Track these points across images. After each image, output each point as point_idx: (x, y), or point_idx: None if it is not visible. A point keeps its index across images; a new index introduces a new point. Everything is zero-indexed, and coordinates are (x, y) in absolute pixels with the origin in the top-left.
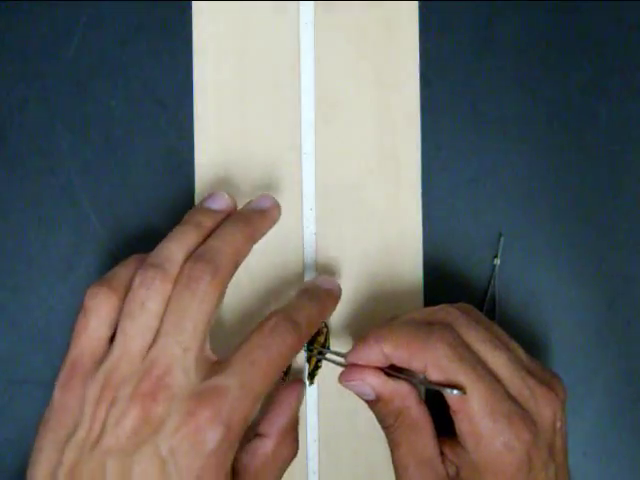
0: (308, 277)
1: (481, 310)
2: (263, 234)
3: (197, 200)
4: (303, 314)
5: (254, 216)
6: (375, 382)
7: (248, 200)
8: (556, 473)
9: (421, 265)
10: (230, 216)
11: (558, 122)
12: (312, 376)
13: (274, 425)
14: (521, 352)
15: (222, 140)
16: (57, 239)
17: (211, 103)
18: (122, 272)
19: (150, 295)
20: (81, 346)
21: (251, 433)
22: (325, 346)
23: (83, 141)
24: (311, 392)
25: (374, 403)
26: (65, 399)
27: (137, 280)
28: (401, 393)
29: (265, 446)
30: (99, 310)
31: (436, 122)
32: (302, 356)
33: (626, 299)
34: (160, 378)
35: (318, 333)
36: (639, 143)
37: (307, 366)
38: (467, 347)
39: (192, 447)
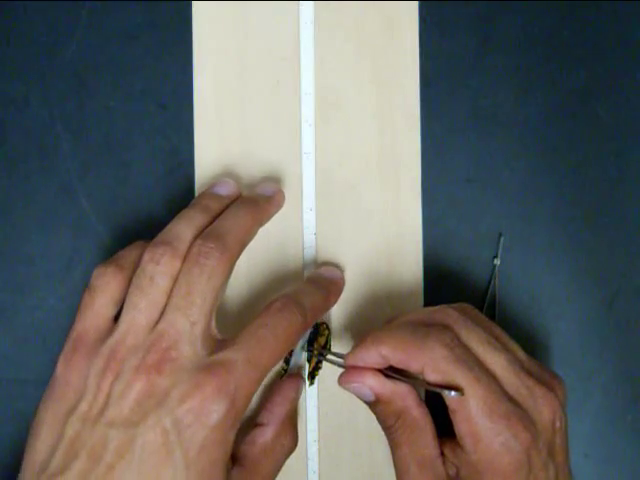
0: None
1: (481, 310)
2: (269, 218)
3: None
4: (309, 299)
5: (261, 200)
6: (374, 383)
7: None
8: (556, 473)
9: (421, 265)
10: (237, 200)
11: (558, 122)
12: (312, 376)
13: (273, 414)
14: (521, 353)
15: (222, 140)
16: (57, 239)
17: (211, 103)
18: (129, 253)
19: (159, 270)
20: (86, 322)
21: (251, 425)
22: (326, 347)
23: (83, 141)
24: (311, 392)
25: (374, 404)
26: (68, 373)
27: (146, 256)
28: (400, 394)
29: (264, 435)
30: (105, 288)
31: (436, 122)
32: (303, 356)
33: (626, 299)
34: (166, 350)
35: (319, 334)
36: (639, 143)
37: (307, 366)
38: (465, 348)
39: (197, 419)
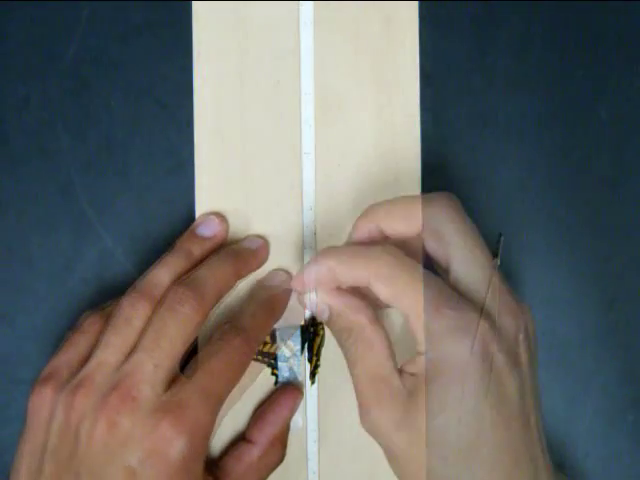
0: None
1: (480, 312)
2: (250, 272)
3: (197, 200)
4: (250, 321)
5: (244, 254)
6: (325, 294)
7: (245, 202)
8: (522, 385)
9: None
10: (221, 249)
11: (558, 122)
12: (313, 375)
13: (263, 433)
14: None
15: (222, 140)
16: (57, 239)
17: (211, 103)
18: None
19: (136, 314)
20: (61, 358)
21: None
22: (321, 347)
23: (83, 141)
24: (311, 392)
25: (330, 323)
26: (38, 407)
27: (125, 300)
28: (352, 307)
29: (251, 453)
30: (90, 331)
31: (436, 122)
32: (300, 360)
33: (626, 299)
34: (128, 390)
35: (316, 334)
36: (639, 143)
37: (308, 366)
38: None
39: (159, 458)
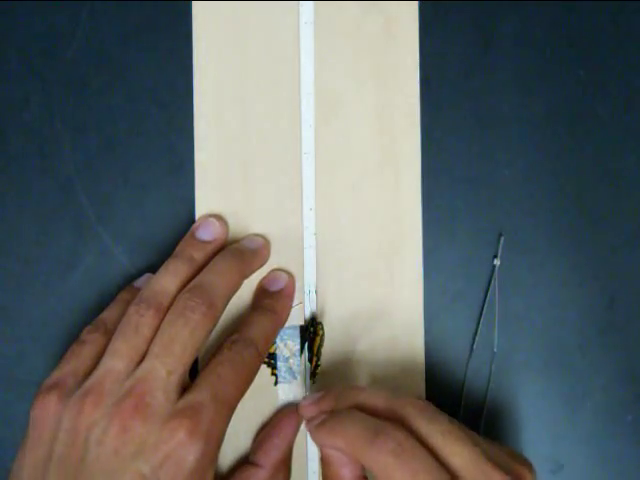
0: (308, 278)
1: (480, 312)
2: (253, 271)
3: (197, 200)
4: (257, 330)
5: (246, 253)
6: (324, 442)
7: (245, 202)
8: None
9: (421, 265)
10: (224, 251)
11: (558, 122)
12: (313, 375)
13: (270, 457)
14: (485, 445)
15: (222, 140)
16: (57, 239)
17: (211, 103)
18: (116, 312)
19: (144, 322)
20: (66, 368)
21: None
22: (321, 347)
23: (83, 141)
24: (311, 392)
25: (322, 466)
26: (43, 415)
27: (132, 309)
28: (342, 460)
29: (258, 476)
30: (92, 342)
31: (436, 122)
32: (299, 360)
33: (626, 299)
34: (141, 397)
35: (316, 334)
36: (639, 143)
37: (308, 366)
38: (415, 450)
39: (174, 464)
